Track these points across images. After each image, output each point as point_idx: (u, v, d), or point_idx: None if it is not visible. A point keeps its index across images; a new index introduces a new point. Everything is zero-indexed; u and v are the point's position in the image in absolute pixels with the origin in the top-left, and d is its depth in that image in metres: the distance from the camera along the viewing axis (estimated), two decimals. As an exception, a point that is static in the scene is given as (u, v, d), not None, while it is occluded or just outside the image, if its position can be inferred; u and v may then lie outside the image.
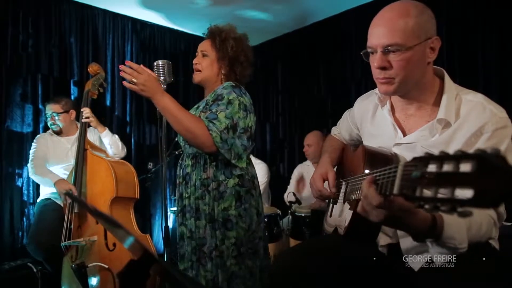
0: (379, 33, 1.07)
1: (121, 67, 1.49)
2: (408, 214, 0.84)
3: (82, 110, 2.54)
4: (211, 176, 1.67)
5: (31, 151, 2.87)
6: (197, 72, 1.80)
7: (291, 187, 3.63)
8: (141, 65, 1.51)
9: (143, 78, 1.48)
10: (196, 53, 1.83)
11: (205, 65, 1.78)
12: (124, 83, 1.51)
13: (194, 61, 1.81)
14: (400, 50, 1.04)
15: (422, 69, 1.10)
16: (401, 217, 0.84)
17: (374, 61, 1.10)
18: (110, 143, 2.88)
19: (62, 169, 2.83)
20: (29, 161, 2.84)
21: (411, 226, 0.89)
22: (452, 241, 0.91)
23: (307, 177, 3.51)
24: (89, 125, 2.62)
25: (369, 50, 1.12)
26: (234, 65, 1.78)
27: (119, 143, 2.93)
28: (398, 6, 1.08)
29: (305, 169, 3.64)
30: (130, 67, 1.48)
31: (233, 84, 1.70)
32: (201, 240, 1.65)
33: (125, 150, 3.00)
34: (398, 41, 1.04)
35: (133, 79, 1.47)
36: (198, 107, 1.77)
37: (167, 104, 1.52)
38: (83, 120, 2.50)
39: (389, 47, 1.05)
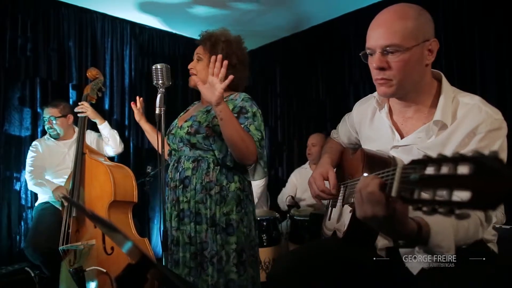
0: (378, 34, 1.08)
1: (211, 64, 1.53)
2: (399, 221, 0.84)
3: (79, 104, 2.56)
4: (214, 180, 1.67)
5: (28, 160, 2.87)
6: (193, 76, 1.80)
7: (287, 190, 3.62)
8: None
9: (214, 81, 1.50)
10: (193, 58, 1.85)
11: (199, 69, 1.78)
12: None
13: (189, 66, 1.82)
14: (399, 51, 1.05)
15: (420, 71, 1.10)
16: (394, 223, 0.84)
17: (373, 62, 1.10)
18: (108, 135, 2.91)
19: (60, 174, 2.82)
20: (27, 172, 2.84)
21: (400, 234, 0.89)
22: (439, 249, 0.92)
23: (304, 181, 3.50)
24: (87, 128, 2.62)
25: (368, 51, 1.12)
26: (227, 68, 1.77)
27: (117, 137, 2.96)
28: (396, 8, 1.09)
29: (302, 173, 3.64)
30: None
31: (249, 97, 1.74)
32: (202, 245, 1.64)
33: (123, 146, 3.03)
34: (396, 42, 1.05)
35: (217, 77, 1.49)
36: (208, 112, 1.72)
37: (228, 111, 1.53)
38: (79, 115, 2.52)
39: (388, 48, 1.06)
